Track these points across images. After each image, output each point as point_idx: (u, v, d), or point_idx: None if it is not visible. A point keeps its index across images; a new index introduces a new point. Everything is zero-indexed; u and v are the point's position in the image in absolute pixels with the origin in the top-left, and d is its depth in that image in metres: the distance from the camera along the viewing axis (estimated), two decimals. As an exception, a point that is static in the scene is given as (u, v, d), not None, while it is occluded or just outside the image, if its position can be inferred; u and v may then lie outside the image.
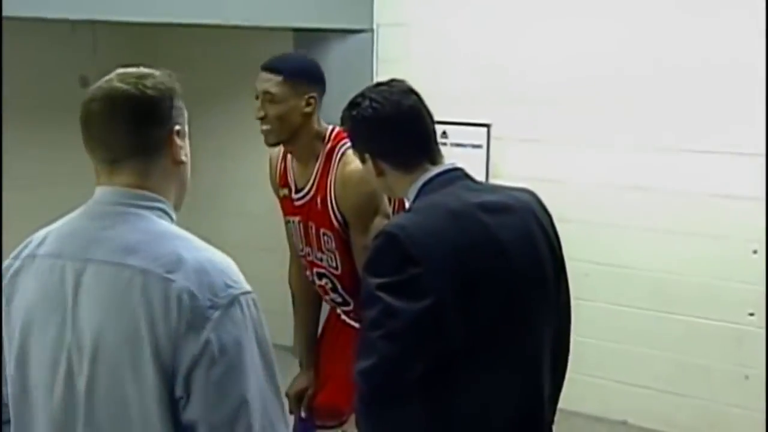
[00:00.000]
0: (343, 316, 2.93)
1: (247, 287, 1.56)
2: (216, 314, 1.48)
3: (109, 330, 1.50)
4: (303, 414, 3.03)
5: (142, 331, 1.48)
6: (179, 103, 1.64)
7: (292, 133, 2.69)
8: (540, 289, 1.98)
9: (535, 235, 1.98)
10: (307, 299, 3.07)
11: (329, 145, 2.70)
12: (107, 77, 1.63)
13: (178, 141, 1.62)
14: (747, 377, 4.04)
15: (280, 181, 2.85)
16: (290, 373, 5.60)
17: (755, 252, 3.97)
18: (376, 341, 1.78)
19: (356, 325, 2.78)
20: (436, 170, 1.99)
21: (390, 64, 4.86)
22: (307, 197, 2.76)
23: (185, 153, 1.65)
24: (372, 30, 4.95)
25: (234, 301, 1.51)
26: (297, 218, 2.82)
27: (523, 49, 4.47)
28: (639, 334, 4.32)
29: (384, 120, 2.01)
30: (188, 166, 1.67)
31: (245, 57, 5.75)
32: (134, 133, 1.58)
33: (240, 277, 1.56)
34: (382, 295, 1.79)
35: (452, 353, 1.83)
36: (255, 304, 1.56)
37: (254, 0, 4.35)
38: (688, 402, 4.21)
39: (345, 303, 2.88)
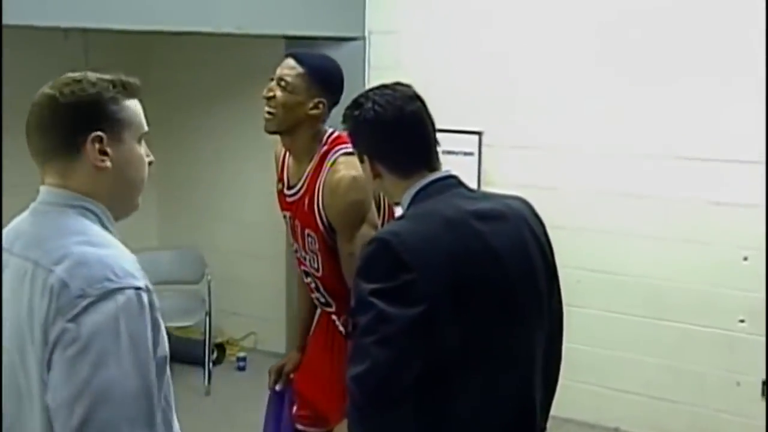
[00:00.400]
0: (333, 316, 2.93)
1: (136, 283, 1.58)
2: (83, 303, 1.53)
3: (8, 317, 1.63)
4: (277, 387, 3.05)
5: (25, 318, 1.58)
6: (112, 108, 1.68)
7: (291, 126, 2.69)
8: (532, 296, 1.98)
9: (527, 242, 1.99)
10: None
11: (324, 148, 2.70)
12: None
13: (97, 146, 1.66)
14: (738, 383, 4.05)
15: (279, 175, 2.88)
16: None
17: (746, 259, 3.99)
18: (370, 347, 1.78)
19: (341, 328, 2.84)
20: (430, 178, 1.99)
21: (382, 72, 4.86)
22: (297, 195, 2.78)
23: (115, 158, 1.68)
24: (364, 38, 4.96)
25: (108, 294, 1.54)
26: (289, 213, 2.85)
27: (514, 57, 4.49)
28: (631, 341, 4.33)
29: (385, 124, 2.00)
30: (123, 172, 1.70)
31: (237, 64, 5.79)
32: (47, 137, 1.67)
33: (132, 274, 1.59)
34: (375, 300, 1.79)
35: (445, 359, 1.83)
36: (140, 302, 1.57)
37: (246, 8, 4.36)
38: (681, 408, 4.22)
39: (327, 304, 2.90)
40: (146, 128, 1.75)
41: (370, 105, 2.01)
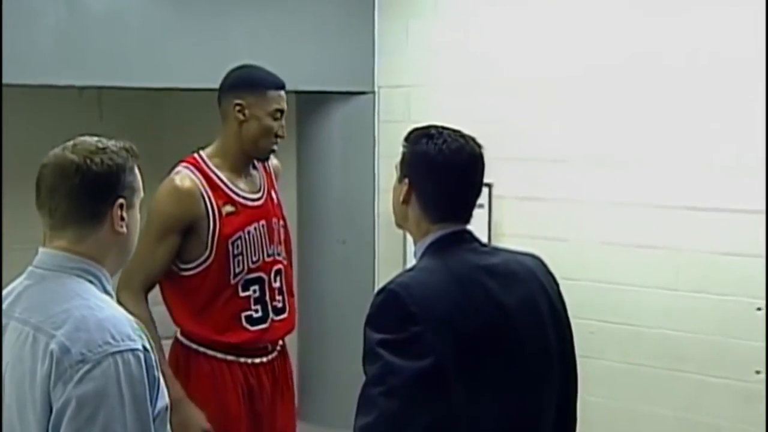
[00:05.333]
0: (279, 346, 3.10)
1: (133, 345, 1.63)
2: (84, 368, 1.57)
3: (8, 379, 1.66)
4: None
5: (26, 382, 1.61)
6: (130, 177, 1.76)
7: None
8: (542, 354, 1.97)
9: (537, 300, 1.99)
10: None
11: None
12: (65, 144, 1.75)
13: (119, 213, 1.73)
14: (756, 436, 3.99)
15: (219, 200, 2.94)
16: None
17: (759, 309, 3.96)
18: (377, 398, 1.77)
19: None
20: (443, 231, 1.99)
21: (392, 125, 4.92)
22: (263, 198, 3.03)
23: (126, 224, 1.75)
24: (374, 92, 5.02)
25: (108, 356, 1.58)
26: (263, 221, 3.00)
27: (524, 108, 4.52)
28: (645, 393, 4.29)
29: (441, 165, 1.99)
30: (131, 236, 1.78)
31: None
32: (75, 204, 1.70)
33: (130, 336, 1.63)
34: (382, 352, 1.79)
35: (452, 415, 1.82)
36: (139, 362, 1.62)
37: (259, 65, 4.42)
38: (698, 462, 4.16)
39: (283, 309, 3.05)
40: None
41: (439, 141, 2.00)
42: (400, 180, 2.05)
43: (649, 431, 4.28)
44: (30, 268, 1.76)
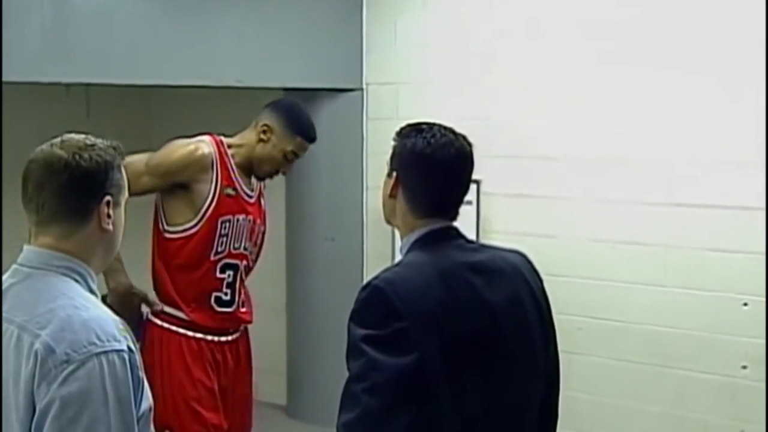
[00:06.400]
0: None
1: (118, 346, 1.62)
2: (69, 369, 1.56)
3: None
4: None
5: (10, 381, 1.61)
6: (117, 175, 1.75)
7: None
8: (526, 349, 1.97)
9: (522, 296, 1.99)
10: None
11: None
12: (53, 140, 1.74)
13: (106, 210, 1.72)
14: None
15: (225, 181, 3.11)
16: (282, 431, 5.54)
17: (746, 305, 3.98)
18: (360, 394, 1.77)
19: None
20: (431, 227, 1.99)
21: (379, 122, 4.92)
22: (254, 198, 3.21)
23: (113, 222, 1.74)
24: (362, 89, 5.02)
25: (93, 357, 1.58)
26: (251, 217, 3.18)
27: (512, 106, 4.53)
28: (632, 388, 4.31)
29: (429, 159, 1.98)
30: (116, 233, 1.78)
31: (237, 116, 5.83)
32: (63, 200, 1.69)
33: (115, 336, 1.63)
34: (366, 348, 1.79)
35: (435, 409, 1.82)
36: (124, 363, 1.62)
37: (246, 61, 4.42)
38: (685, 457, 4.18)
39: (244, 302, 3.24)
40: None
41: (428, 135, 1.99)
42: (389, 174, 2.05)
43: (637, 427, 4.30)
44: (14, 266, 1.75)
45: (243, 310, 3.25)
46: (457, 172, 2.02)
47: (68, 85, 4.60)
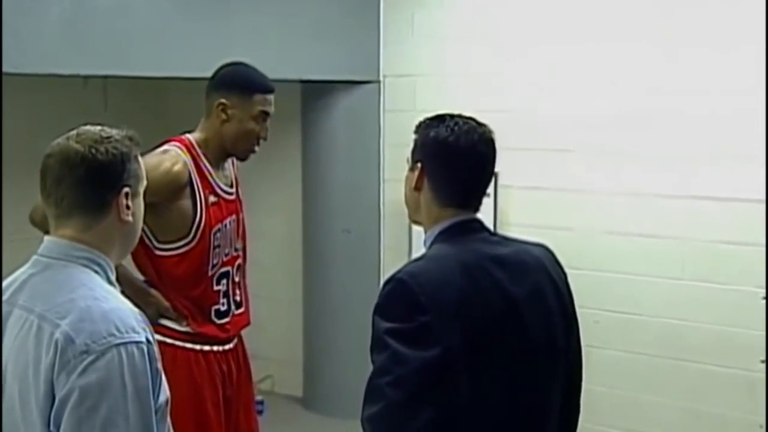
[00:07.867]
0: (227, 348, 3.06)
1: (137, 338, 1.63)
2: (88, 359, 1.57)
3: (11, 366, 1.67)
4: None
5: (30, 370, 1.62)
6: (134, 165, 1.77)
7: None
8: (549, 345, 1.96)
9: (546, 291, 1.97)
10: None
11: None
12: (69, 134, 1.75)
13: (125, 202, 1.73)
14: (761, 426, 3.99)
15: (206, 190, 2.91)
16: (298, 423, 5.55)
17: (764, 298, 3.96)
18: (384, 387, 1.77)
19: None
20: (455, 219, 1.98)
21: (396, 114, 4.92)
22: (234, 193, 3.04)
23: (132, 213, 1.76)
24: (379, 81, 5.02)
25: (112, 348, 1.59)
26: (234, 216, 3.01)
27: (528, 98, 4.52)
28: (650, 382, 4.29)
29: (453, 148, 1.97)
30: (136, 224, 1.80)
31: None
32: (81, 193, 1.71)
33: (134, 328, 1.64)
34: (390, 341, 1.78)
35: (458, 403, 1.82)
36: (143, 354, 1.63)
37: (263, 54, 4.40)
38: (702, 451, 4.17)
39: (240, 303, 3.08)
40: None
41: (451, 124, 1.99)
42: (411, 168, 2.03)
43: (654, 420, 4.29)
44: (35, 256, 1.76)
45: (238, 312, 3.08)
46: (481, 158, 2.01)
47: (86, 78, 4.61)
